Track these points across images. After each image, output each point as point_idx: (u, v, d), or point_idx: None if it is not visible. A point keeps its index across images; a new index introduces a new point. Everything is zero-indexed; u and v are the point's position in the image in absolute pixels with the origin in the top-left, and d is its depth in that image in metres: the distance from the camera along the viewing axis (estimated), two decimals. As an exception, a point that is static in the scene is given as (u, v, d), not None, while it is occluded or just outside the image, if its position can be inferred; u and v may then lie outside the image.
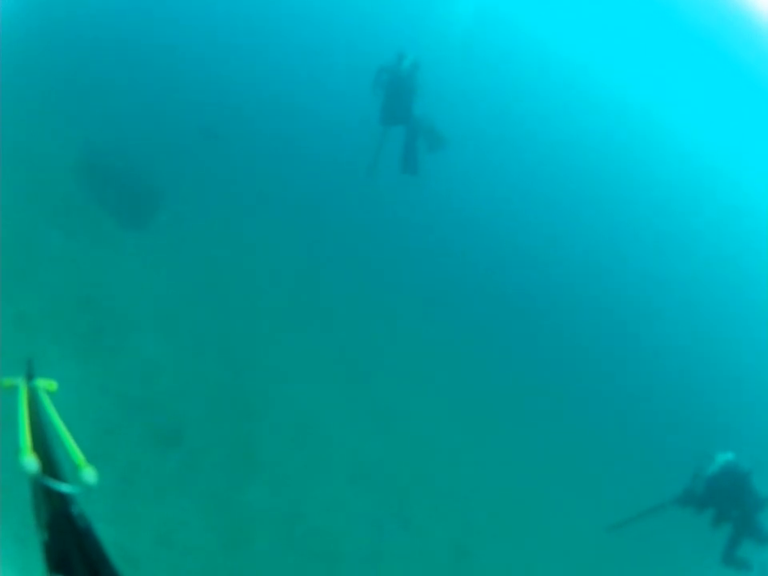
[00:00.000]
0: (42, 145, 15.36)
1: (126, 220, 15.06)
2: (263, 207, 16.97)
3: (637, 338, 19.71)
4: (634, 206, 22.06)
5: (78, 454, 3.36)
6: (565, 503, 15.45)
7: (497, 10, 22.41)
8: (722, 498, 10.36)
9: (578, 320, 19.44)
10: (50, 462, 3.20)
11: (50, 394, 4.02)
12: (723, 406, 17.48)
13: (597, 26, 25.51)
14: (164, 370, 13.30)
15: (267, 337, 15.27)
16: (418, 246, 19.05)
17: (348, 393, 15.48)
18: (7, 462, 3.83)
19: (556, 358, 18.25)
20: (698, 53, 25.73)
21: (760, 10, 26.10)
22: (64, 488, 2.96)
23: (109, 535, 3.18)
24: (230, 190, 16.98)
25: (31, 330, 12.07)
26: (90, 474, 3.26)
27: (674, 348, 19.51)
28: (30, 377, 4.09)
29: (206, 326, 14.49)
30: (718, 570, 11.61)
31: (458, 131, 17.85)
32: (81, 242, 13.99)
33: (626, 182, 22.55)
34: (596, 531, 14.40)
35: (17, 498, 5.40)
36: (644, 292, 20.59)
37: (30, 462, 3.00)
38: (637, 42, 25.51)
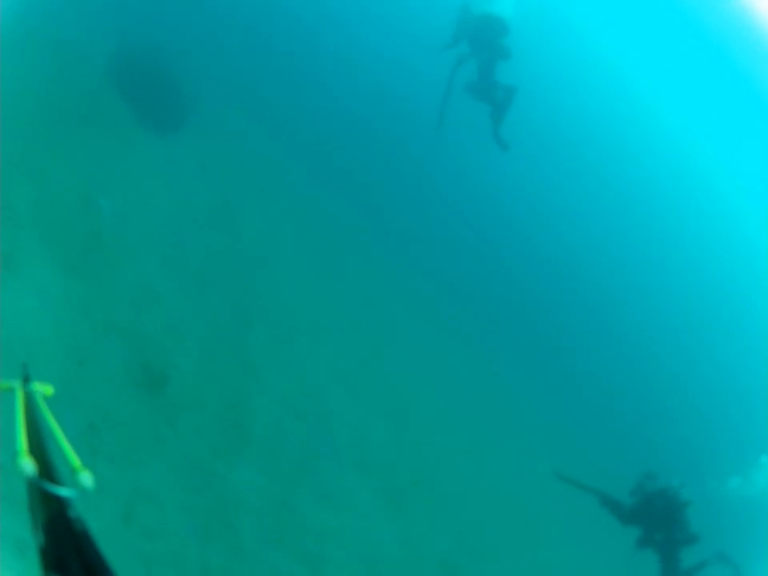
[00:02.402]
0: (76, 38, 11.83)
1: (149, 124, 11.72)
2: (299, 137, 13.71)
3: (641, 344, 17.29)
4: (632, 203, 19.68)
5: (74, 457, 2.75)
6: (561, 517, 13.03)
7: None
8: (650, 519, 9.23)
9: (588, 326, 16.93)
10: (47, 465, 2.64)
11: (46, 397, 3.33)
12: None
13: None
14: (158, 299, 10.10)
15: (279, 282, 12.13)
16: (448, 226, 16.08)
17: (356, 364, 12.49)
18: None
19: (562, 361, 15.73)
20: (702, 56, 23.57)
21: (760, 13, 24.05)
22: (61, 491, 2.43)
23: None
24: (266, 111, 13.67)
25: (17, 225, 8.74)
26: (87, 478, 2.66)
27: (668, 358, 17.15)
28: (26, 380, 3.40)
29: (213, 258, 11.28)
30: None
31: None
32: (93, 136, 10.66)
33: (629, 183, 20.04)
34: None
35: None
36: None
37: (27, 464, 2.53)
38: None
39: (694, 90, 23.06)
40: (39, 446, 2.80)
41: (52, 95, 10.36)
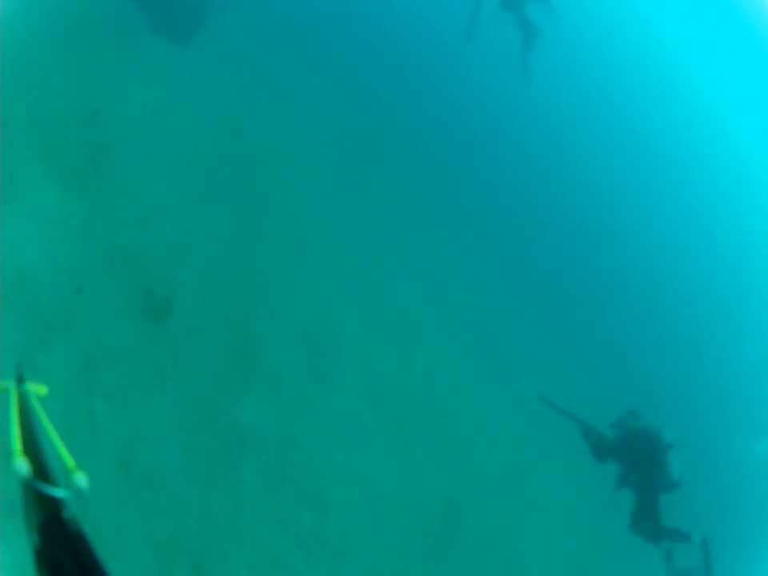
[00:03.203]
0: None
1: (161, 30, 10.39)
2: (317, 47, 12.36)
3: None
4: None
5: (69, 458, 2.69)
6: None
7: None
8: (628, 457, 8.78)
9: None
10: (41, 466, 2.57)
11: (41, 398, 3.23)
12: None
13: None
14: (164, 216, 9.12)
15: (291, 198, 11.14)
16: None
17: (366, 290, 11.68)
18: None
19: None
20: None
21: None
22: (57, 492, 2.36)
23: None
24: (284, 18, 12.24)
25: (14, 141, 7.61)
26: (81, 479, 2.55)
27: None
28: (20, 380, 3.29)
29: (223, 172, 10.24)
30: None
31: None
32: (102, 43, 9.34)
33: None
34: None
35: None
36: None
37: (22, 465, 2.45)
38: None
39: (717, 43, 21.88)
40: (33, 446, 2.75)
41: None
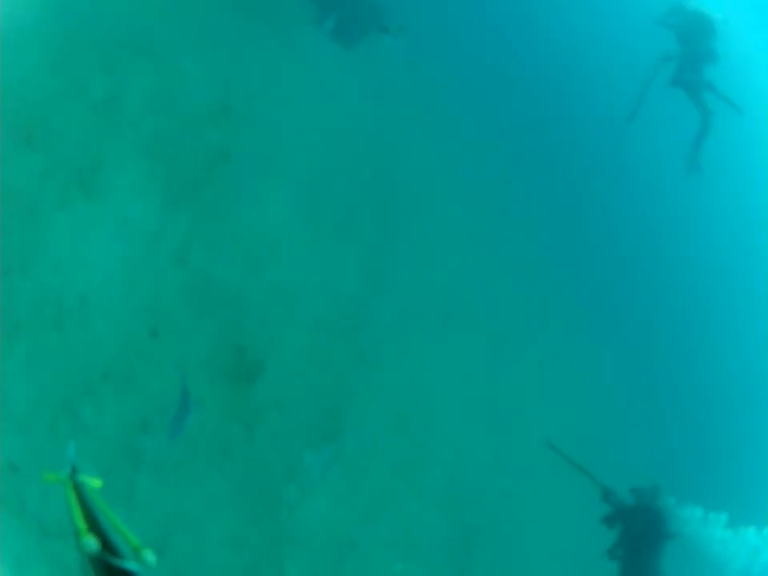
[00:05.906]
0: None
1: (331, 27, 9.29)
2: (486, 96, 11.06)
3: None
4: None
5: (133, 536, 2.86)
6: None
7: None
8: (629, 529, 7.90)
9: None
10: (108, 543, 2.80)
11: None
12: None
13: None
14: (277, 253, 7.84)
15: (428, 247, 9.72)
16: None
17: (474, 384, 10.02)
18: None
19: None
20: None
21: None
22: (130, 565, 2.64)
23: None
24: (458, 45, 11.09)
25: (119, 123, 6.46)
26: (150, 555, 2.75)
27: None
28: (74, 471, 3.50)
29: (356, 205, 8.91)
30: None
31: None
32: (255, 25, 8.16)
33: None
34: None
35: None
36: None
37: (91, 541, 2.71)
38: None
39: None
40: (96, 525, 2.86)
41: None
